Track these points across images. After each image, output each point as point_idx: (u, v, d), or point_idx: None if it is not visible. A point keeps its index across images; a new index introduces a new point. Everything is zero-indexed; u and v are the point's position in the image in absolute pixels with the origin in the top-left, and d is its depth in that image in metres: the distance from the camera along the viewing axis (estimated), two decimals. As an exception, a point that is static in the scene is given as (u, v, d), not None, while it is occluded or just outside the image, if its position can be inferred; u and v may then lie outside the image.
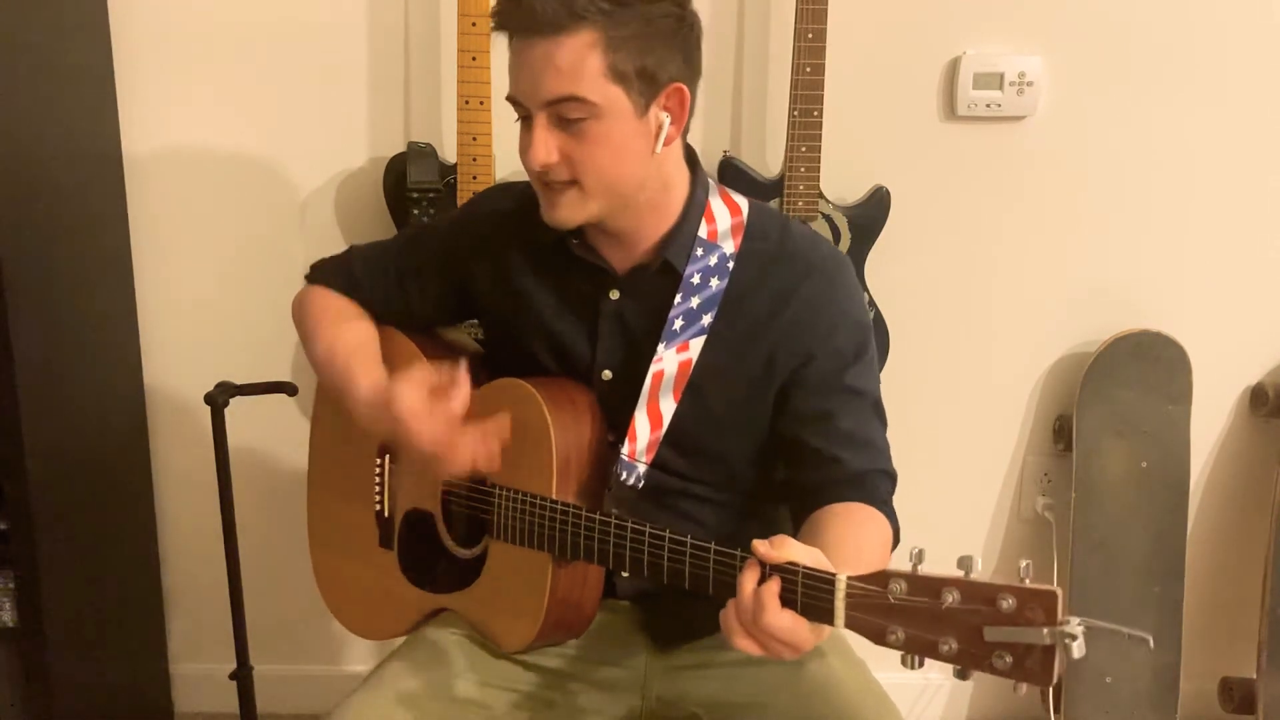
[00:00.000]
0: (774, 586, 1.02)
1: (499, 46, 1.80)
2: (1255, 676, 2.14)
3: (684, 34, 1.23)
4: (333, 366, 1.41)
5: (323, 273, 1.53)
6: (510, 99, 1.24)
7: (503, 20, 1.21)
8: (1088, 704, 2.11)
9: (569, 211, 1.26)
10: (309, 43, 1.98)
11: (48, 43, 1.79)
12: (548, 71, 1.18)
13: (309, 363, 1.48)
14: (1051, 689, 2.11)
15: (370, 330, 1.47)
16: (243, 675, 1.82)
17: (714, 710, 1.35)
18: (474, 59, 1.83)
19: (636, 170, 1.25)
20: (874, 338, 1.35)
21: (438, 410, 1.25)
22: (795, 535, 1.26)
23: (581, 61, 1.17)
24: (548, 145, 1.21)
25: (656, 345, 1.31)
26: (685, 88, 1.24)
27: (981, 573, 0.95)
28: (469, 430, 1.27)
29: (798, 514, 1.29)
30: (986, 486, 2.22)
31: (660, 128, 1.24)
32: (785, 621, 1.01)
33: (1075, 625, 0.89)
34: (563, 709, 1.38)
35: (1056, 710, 2.12)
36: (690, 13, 1.24)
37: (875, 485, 1.28)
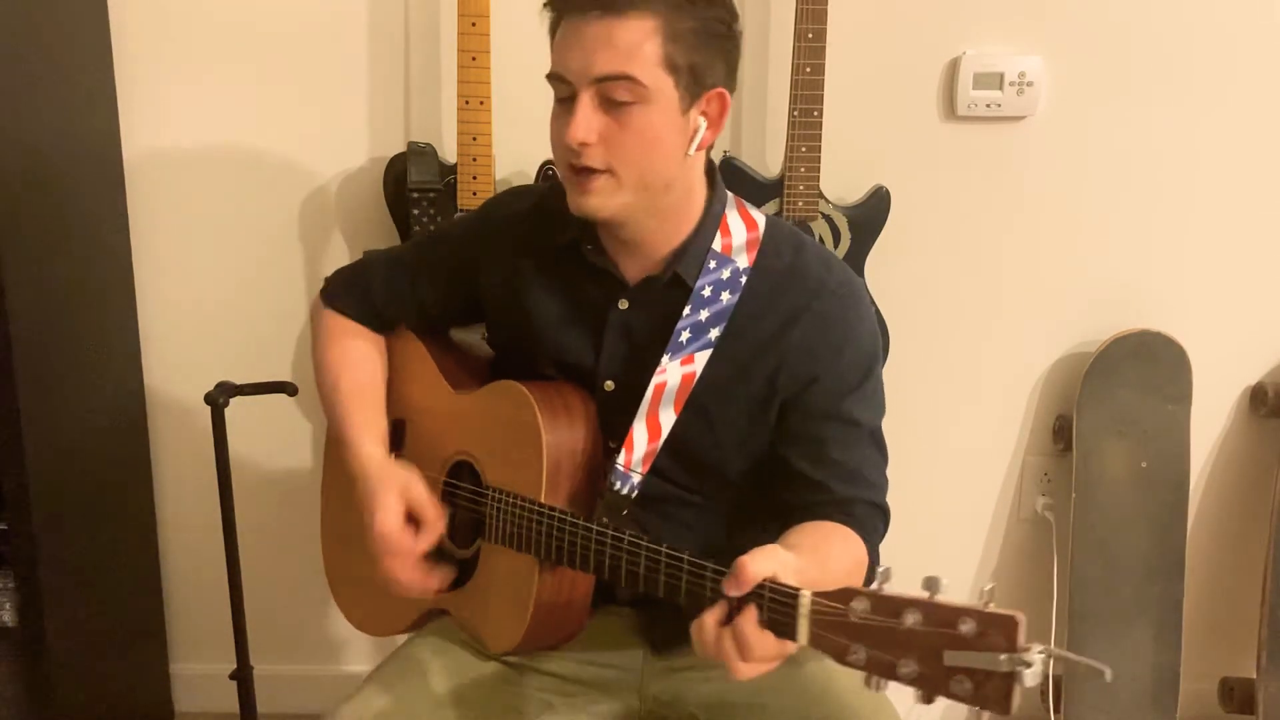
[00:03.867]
0: (750, 602, 1.02)
1: (499, 46, 1.84)
2: (1255, 676, 2.14)
3: (731, 44, 1.25)
4: (333, 406, 1.45)
5: (338, 288, 1.52)
6: (554, 76, 1.22)
7: None
8: (1088, 704, 2.11)
9: (600, 199, 1.24)
10: (309, 42, 1.97)
11: (48, 43, 1.79)
12: (604, 48, 1.17)
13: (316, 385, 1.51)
14: (1051, 688, 2.11)
15: (375, 369, 1.48)
16: (243, 675, 1.82)
17: (712, 711, 1.35)
18: (474, 59, 1.83)
19: (669, 167, 1.25)
20: (882, 367, 1.34)
21: (405, 543, 1.31)
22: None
23: (640, 44, 1.18)
24: (589, 123, 1.20)
25: (661, 356, 1.30)
26: (727, 94, 1.26)
27: (956, 586, 0.93)
28: (418, 570, 1.33)
29: (784, 530, 1.28)
30: (986, 486, 2.22)
31: (696, 131, 1.24)
32: (758, 635, 1.01)
33: (1036, 653, 0.87)
34: (561, 711, 1.37)
35: (1056, 710, 2.12)
36: (738, 28, 1.25)
37: (859, 512, 1.27)
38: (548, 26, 1.25)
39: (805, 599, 0.98)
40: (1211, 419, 2.17)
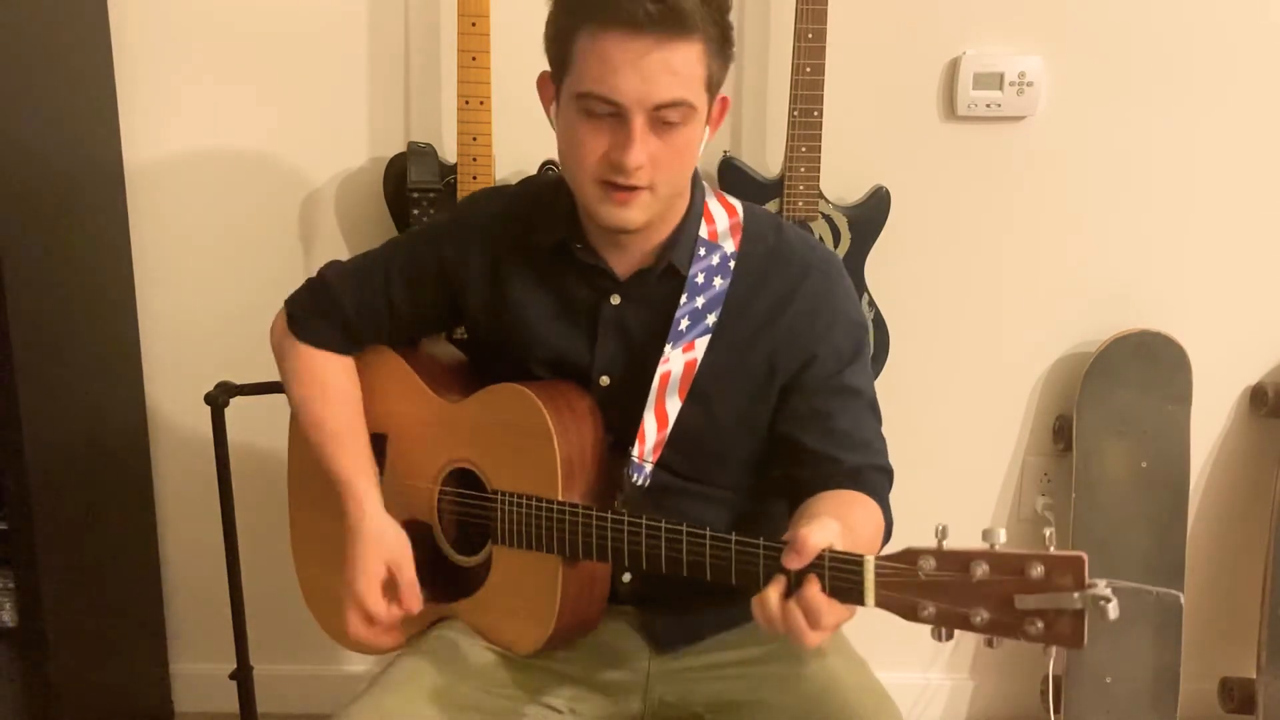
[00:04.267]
0: (810, 573, 1.04)
1: (499, 46, 1.83)
2: (1255, 676, 2.14)
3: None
4: (319, 446, 1.44)
5: (305, 314, 1.46)
6: (596, 96, 1.18)
7: (628, 12, 1.14)
8: (1088, 704, 2.11)
9: (638, 212, 1.24)
10: (309, 43, 1.98)
11: (48, 47, 1.79)
12: (664, 74, 1.17)
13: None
14: (1051, 688, 2.11)
15: (356, 403, 1.46)
16: (243, 675, 1.82)
17: (716, 710, 1.35)
18: (474, 59, 1.83)
19: (689, 175, 1.29)
20: (870, 337, 1.37)
21: (378, 610, 1.35)
22: (787, 528, 1.27)
23: (694, 68, 1.19)
24: (646, 147, 1.20)
25: (661, 347, 1.30)
26: (728, 99, 1.29)
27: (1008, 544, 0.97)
28: (380, 632, 1.38)
29: (793, 509, 1.29)
30: (986, 486, 2.22)
31: (704, 136, 1.27)
32: (827, 603, 1.03)
33: (1104, 587, 0.91)
34: (565, 712, 1.37)
35: (1056, 710, 2.12)
36: None
37: (870, 479, 1.29)
38: (553, 28, 1.23)
39: (869, 564, 1.01)
40: (1211, 419, 2.17)
